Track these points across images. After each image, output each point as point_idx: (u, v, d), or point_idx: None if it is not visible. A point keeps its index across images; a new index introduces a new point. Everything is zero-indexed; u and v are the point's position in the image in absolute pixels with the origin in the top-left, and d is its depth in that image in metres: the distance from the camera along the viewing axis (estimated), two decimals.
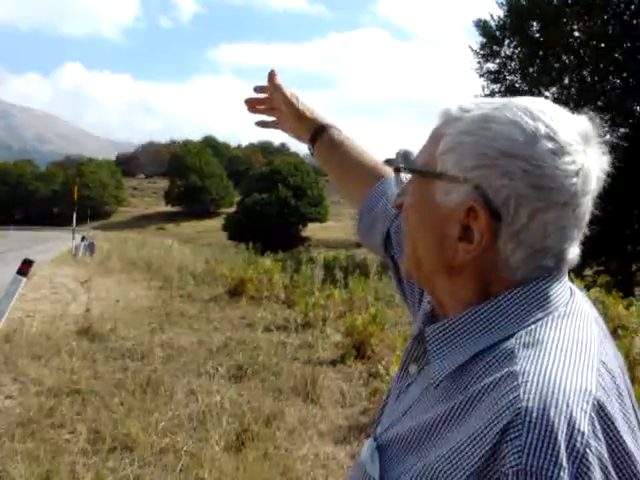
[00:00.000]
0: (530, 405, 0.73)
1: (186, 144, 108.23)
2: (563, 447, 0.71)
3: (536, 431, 0.71)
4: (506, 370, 0.79)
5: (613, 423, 0.75)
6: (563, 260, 0.89)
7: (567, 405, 0.73)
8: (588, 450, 0.71)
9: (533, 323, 0.85)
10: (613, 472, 0.72)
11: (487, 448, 0.74)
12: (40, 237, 51.18)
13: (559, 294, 0.88)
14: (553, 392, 0.74)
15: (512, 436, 0.72)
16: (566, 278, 0.92)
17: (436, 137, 0.94)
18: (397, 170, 1.02)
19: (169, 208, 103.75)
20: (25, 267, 7.78)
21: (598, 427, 0.74)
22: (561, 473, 0.69)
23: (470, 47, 25.32)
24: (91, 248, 25.56)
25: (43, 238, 48.32)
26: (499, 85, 25.16)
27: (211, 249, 27.14)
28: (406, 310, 1.36)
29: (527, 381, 0.76)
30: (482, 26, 24.86)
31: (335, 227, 73.95)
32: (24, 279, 7.83)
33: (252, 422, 4.98)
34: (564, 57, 24.21)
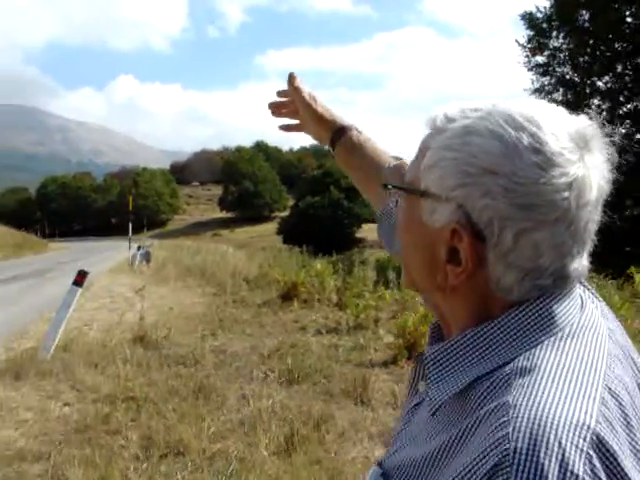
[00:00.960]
0: (519, 446, 0.66)
1: (238, 150, 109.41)
2: None
3: (524, 475, 0.65)
4: (499, 401, 0.73)
5: (616, 460, 0.67)
6: (564, 277, 0.81)
7: (559, 444, 0.66)
8: None
9: (534, 347, 0.78)
10: None
11: None
12: (99, 247, 52.43)
13: (565, 312, 0.81)
14: (544, 429, 0.67)
15: (499, 478, 0.66)
16: (574, 293, 0.84)
17: (422, 150, 0.88)
18: (385, 187, 0.94)
19: (224, 214, 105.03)
20: (80, 278, 8.00)
21: (598, 465, 0.66)
22: None
23: (517, 41, 24.99)
24: (147, 257, 26.00)
25: (102, 248, 49.48)
26: (548, 78, 24.74)
27: (265, 253, 27.31)
28: None
29: (517, 416, 0.69)
30: (528, 19, 24.49)
31: None
32: (79, 289, 8.05)
33: (301, 426, 5.00)
34: (616, 45, 23.64)
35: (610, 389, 0.75)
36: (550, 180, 0.76)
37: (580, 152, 0.78)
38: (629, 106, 24.59)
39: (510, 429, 0.68)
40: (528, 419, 0.68)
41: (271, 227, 76.99)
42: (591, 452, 0.66)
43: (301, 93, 1.56)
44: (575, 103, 24.12)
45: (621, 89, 24.24)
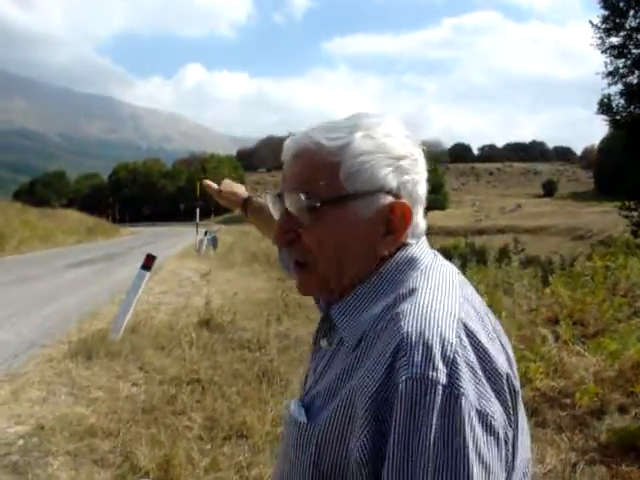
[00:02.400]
0: (410, 330, 0.95)
1: None
2: (438, 356, 0.92)
3: (417, 347, 0.93)
4: (392, 313, 1.01)
5: (476, 335, 0.97)
6: (418, 232, 1.14)
7: (438, 325, 0.95)
8: (457, 355, 0.92)
9: (408, 280, 1.07)
10: (479, 369, 0.93)
11: (383, 370, 0.94)
12: (167, 232, 53.52)
13: (423, 255, 1.11)
14: (427, 318, 0.96)
15: (400, 355, 0.93)
16: (425, 244, 1.15)
17: (325, 167, 1.08)
18: (313, 208, 1.09)
19: None
20: (149, 262, 8.19)
21: (464, 339, 0.95)
22: (438, 375, 0.90)
23: (590, 22, 24.16)
24: (214, 242, 26.36)
25: (170, 233, 50.49)
26: (624, 60, 23.85)
27: None
28: None
29: (407, 314, 0.98)
30: None
31: (455, 214, 72.78)
32: (148, 273, 8.25)
33: None
34: None
35: (466, 297, 1.05)
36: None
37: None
38: None
39: (402, 323, 0.97)
40: (414, 314, 0.98)
41: None
42: (459, 330, 0.96)
43: (213, 192, 2.18)
44: None
45: None
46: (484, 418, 0.90)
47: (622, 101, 23.93)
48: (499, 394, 0.94)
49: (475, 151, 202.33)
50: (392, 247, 1.10)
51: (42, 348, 7.71)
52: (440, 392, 0.89)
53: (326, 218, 1.08)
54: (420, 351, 0.92)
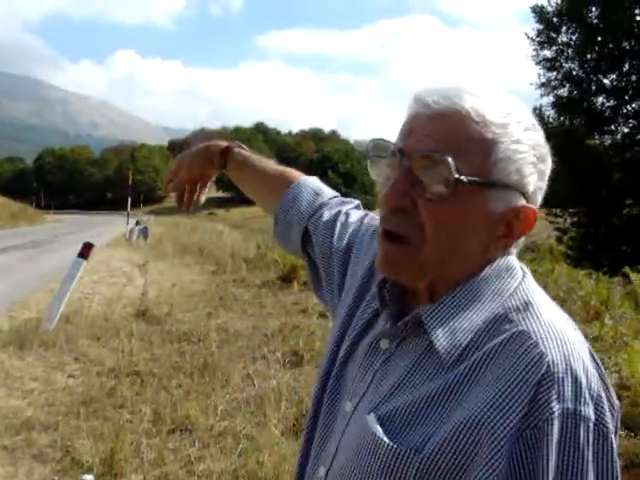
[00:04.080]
0: (555, 359, 0.85)
1: (237, 130, 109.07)
2: (586, 390, 0.85)
3: (567, 380, 0.85)
4: (512, 331, 0.90)
5: (600, 365, 0.92)
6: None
7: (579, 355, 0.88)
8: (600, 389, 0.87)
9: (510, 289, 0.96)
10: (613, 402, 0.89)
11: (525, 399, 0.84)
12: (95, 221, 52.29)
13: (515, 261, 1.01)
14: (566, 344, 0.88)
15: (546, 387, 0.84)
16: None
17: (480, 142, 0.93)
18: (458, 181, 0.92)
19: (220, 194, 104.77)
20: (86, 250, 7.98)
21: (600, 368, 0.90)
22: (589, 410, 0.84)
23: (526, 34, 24.80)
24: (145, 232, 25.93)
25: (98, 222, 49.35)
26: (555, 73, 24.62)
27: (262, 235, 27.28)
28: (323, 302, 1.42)
29: (542, 338, 0.88)
30: (539, 12, 24.34)
31: None
32: (85, 262, 8.04)
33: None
34: (624, 43, 23.54)
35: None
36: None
37: None
38: (633, 105, 24.53)
39: (542, 348, 0.86)
40: (551, 339, 0.87)
41: None
42: (593, 360, 0.90)
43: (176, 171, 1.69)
44: (580, 100, 24.10)
45: (627, 88, 24.16)
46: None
47: (553, 112, 24.73)
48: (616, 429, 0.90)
49: None
50: (501, 252, 0.98)
51: None
52: (592, 430, 0.84)
53: (461, 198, 0.92)
54: (570, 384, 0.85)
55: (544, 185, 0.99)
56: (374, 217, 1.32)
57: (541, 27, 24.46)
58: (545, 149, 0.98)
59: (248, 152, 1.63)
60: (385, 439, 0.92)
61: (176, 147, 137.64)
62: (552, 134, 24.50)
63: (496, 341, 0.90)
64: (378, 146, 1.01)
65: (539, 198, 0.99)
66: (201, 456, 4.28)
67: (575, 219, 24.02)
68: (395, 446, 0.91)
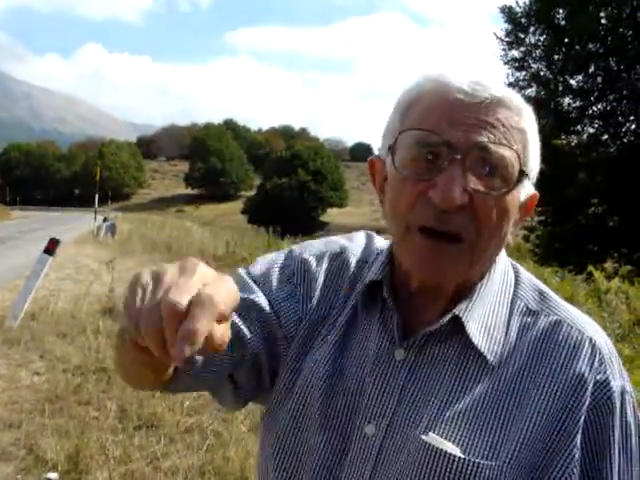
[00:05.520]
0: (600, 342, 0.93)
1: (207, 127, 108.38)
2: (622, 369, 0.94)
3: (613, 360, 0.93)
4: (548, 321, 0.94)
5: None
6: None
7: (607, 337, 0.96)
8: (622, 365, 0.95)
9: (515, 277, 1.00)
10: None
11: (589, 385, 0.89)
12: (62, 217, 51.63)
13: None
14: (597, 327, 0.96)
15: (603, 368, 0.90)
16: None
17: (520, 132, 0.91)
18: (522, 173, 0.90)
19: (189, 191, 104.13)
20: (52, 246, 7.89)
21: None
22: (628, 385, 0.93)
23: (495, 34, 25.11)
24: (112, 229, 25.71)
25: (65, 218, 48.74)
26: (524, 73, 24.94)
27: (231, 232, 27.24)
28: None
29: (580, 324, 0.94)
30: (507, 12, 24.62)
31: (354, 212, 73.84)
32: (50, 258, 7.94)
33: None
34: (590, 45, 23.91)
35: None
36: None
37: None
38: (599, 106, 24.94)
39: (588, 333, 0.93)
40: (587, 324, 0.95)
41: (236, 206, 76.68)
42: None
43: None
44: (547, 100, 24.40)
45: (592, 89, 24.55)
46: None
47: None
48: None
49: (376, 151, 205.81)
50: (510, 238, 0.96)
51: None
52: (633, 402, 0.93)
53: (515, 189, 0.91)
54: (615, 363, 0.93)
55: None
56: (267, 259, 1.11)
57: (510, 27, 24.76)
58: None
59: None
60: (458, 454, 0.87)
61: (144, 144, 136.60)
62: None
63: (534, 334, 0.93)
64: (415, 137, 0.90)
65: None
66: (167, 452, 4.26)
67: (542, 218, 24.34)
68: (468, 458, 0.87)
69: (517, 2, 24.38)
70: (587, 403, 0.88)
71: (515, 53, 25.03)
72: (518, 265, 1.03)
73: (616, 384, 0.90)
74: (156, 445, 4.33)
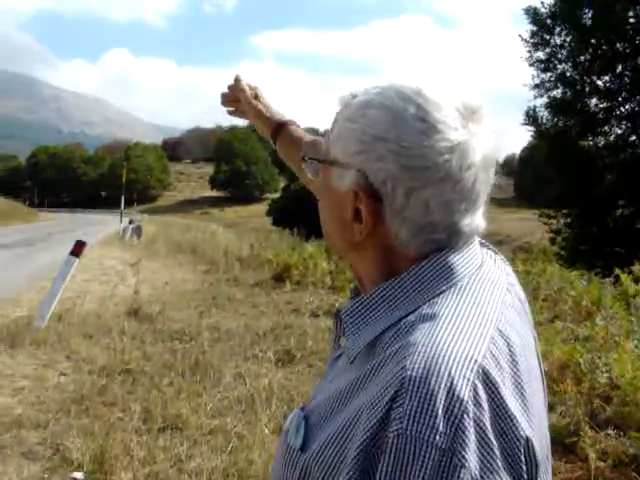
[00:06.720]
0: (414, 374, 0.76)
1: (232, 129, 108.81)
2: (441, 413, 0.74)
3: (417, 398, 0.75)
4: (402, 342, 0.82)
5: (497, 389, 0.78)
6: (457, 232, 0.91)
7: (449, 373, 0.76)
8: (465, 415, 0.74)
9: (436, 296, 0.88)
10: (492, 436, 0.76)
11: (380, 415, 0.76)
12: (88, 219, 52.17)
13: (463, 265, 0.91)
14: (437, 361, 0.77)
15: (397, 404, 0.75)
16: (472, 249, 0.94)
17: (332, 124, 0.99)
18: (303, 159, 1.05)
19: (214, 193, 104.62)
20: (78, 248, 7.97)
21: (481, 394, 0.77)
22: (437, 437, 0.73)
23: (520, 36, 24.94)
24: (138, 231, 25.89)
25: (91, 220, 49.24)
26: (549, 74, 24.71)
27: (255, 234, 27.26)
28: None
29: (415, 351, 0.79)
30: (532, 14, 24.44)
31: None
32: (77, 260, 8.02)
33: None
34: (617, 45, 23.64)
35: (500, 330, 0.85)
36: (432, 144, 0.86)
37: (464, 121, 0.88)
38: (627, 107, 24.62)
39: (408, 362, 0.78)
40: (424, 353, 0.78)
41: (261, 208, 76.79)
42: (476, 382, 0.77)
43: (244, 94, 1.72)
44: (574, 101, 24.17)
45: (620, 89, 24.27)
46: None
47: (547, 113, 24.82)
48: (512, 466, 0.77)
49: None
50: (361, 238, 0.93)
51: None
52: (435, 457, 0.73)
53: (322, 175, 1.04)
54: (420, 403, 0.74)
55: (392, 170, 0.88)
56: None
57: (535, 29, 24.57)
58: (393, 132, 0.88)
59: (303, 133, 1.69)
60: (283, 436, 0.95)
61: (169, 146, 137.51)
62: (546, 135, 24.70)
63: (391, 349, 0.84)
64: None
65: (390, 186, 0.88)
66: (191, 454, 4.27)
67: (568, 220, 24.12)
68: (290, 444, 0.92)
69: (542, 3, 24.19)
70: (373, 440, 0.76)
71: (540, 54, 24.81)
72: (464, 289, 0.91)
73: (400, 426, 0.73)
74: (180, 447, 4.35)
